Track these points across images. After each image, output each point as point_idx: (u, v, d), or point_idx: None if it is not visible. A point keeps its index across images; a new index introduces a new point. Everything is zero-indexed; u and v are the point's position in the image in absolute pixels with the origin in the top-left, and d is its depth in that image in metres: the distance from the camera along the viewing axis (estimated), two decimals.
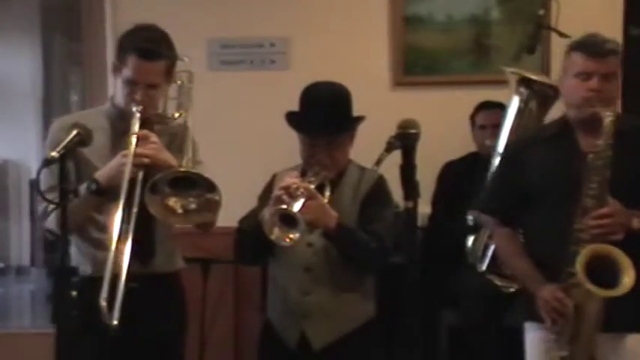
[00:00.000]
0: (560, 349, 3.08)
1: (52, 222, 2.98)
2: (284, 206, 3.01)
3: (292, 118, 3.29)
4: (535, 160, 3.24)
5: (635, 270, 2.94)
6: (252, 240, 3.19)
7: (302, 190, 3.06)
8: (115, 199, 3.03)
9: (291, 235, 3.00)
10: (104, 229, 3.08)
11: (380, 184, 3.28)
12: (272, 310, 3.32)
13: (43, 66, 8.46)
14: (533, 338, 3.23)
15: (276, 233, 3.00)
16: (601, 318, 3.02)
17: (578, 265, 2.96)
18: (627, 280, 2.91)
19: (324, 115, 3.20)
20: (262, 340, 3.36)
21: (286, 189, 3.04)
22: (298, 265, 3.20)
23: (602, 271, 2.96)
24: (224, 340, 5.08)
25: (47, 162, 2.74)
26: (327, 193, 3.15)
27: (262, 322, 3.40)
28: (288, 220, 3.00)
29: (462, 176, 4.94)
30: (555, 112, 4.62)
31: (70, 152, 2.82)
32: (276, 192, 3.08)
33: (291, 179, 3.10)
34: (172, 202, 3.05)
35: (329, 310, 3.21)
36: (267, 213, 3.03)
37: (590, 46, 3.17)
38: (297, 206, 3.01)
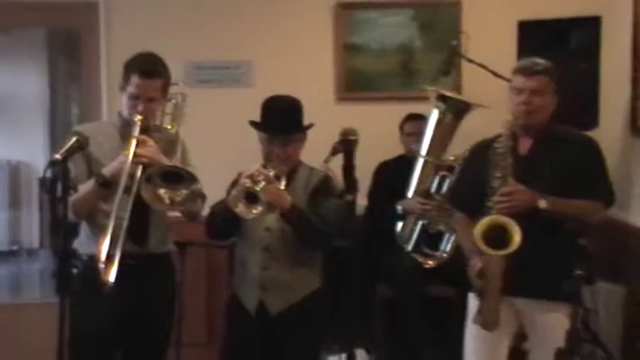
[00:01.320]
0: (478, 302, 3.14)
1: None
2: (249, 184, 3.02)
3: (255, 123, 3.30)
4: (488, 162, 3.24)
5: (542, 245, 3.00)
6: (220, 219, 3.19)
7: (263, 176, 3.07)
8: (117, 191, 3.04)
9: (254, 210, 2.99)
10: (109, 215, 3.06)
11: (325, 180, 3.30)
12: (236, 282, 3.32)
13: (49, 84, 8.47)
14: (472, 302, 3.26)
15: (240, 208, 3.00)
16: (502, 277, 3.04)
17: (476, 233, 3.01)
18: (514, 244, 2.94)
19: (281, 118, 3.22)
20: (228, 309, 3.36)
21: (250, 176, 3.06)
22: (258, 246, 3.20)
23: (501, 237, 2.99)
24: (198, 309, 5.06)
25: (52, 163, 2.72)
26: (283, 183, 3.16)
27: (228, 294, 3.40)
28: (251, 198, 3.01)
29: (392, 174, 4.97)
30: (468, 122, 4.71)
31: (71, 155, 2.80)
32: (242, 179, 3.09)
33: (255, 168, 3.12)
34: (162, 192, 3.04)
35: (283, 282, 3.21)
36: (234, 191, 3.04)
37: (522, 67, 3.21)
38: (258, 187, 3.02)
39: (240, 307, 3.25)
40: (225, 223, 3.17)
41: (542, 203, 3.04)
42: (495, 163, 3.08)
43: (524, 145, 3.21)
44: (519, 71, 3.21)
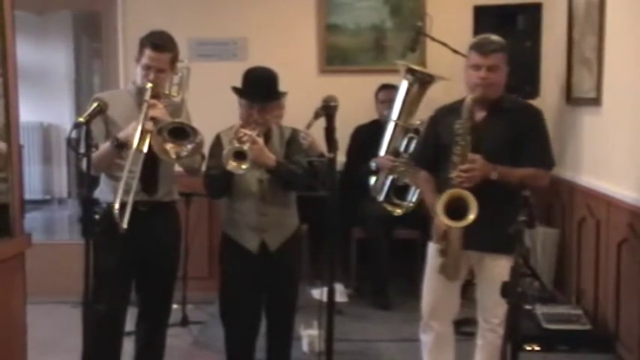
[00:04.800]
0: (440, 258, 3.08)
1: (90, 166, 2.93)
2: (237, 145, 2.99)
3: (237, 90, 3.25)
4: (446, 127, 3.09)
5: (490, 207, 2.90)
6: (217, 181, 3.15)
7: (248, 136, 3.04)
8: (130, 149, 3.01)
9: (243, 166, 2.97)
10: (123, 169, 3.02)
11: (294, 133, 3.30)
12: (231, 228, 3.23)
13: (75, 59, 8.47)
14: (431, 251, 3.20)
15: (231, 164, 2.97)
16: (462, 240, 2.98)
17: (438, 205, 2.93)
18: (471, 216, 2.87)
19: (260, 87, 3.15)
20: (224, 249, 3.30)
21: (238, 137, 3.03)
22: (255, 196, 3.17)
23: (460, 207, 2.91)
24: (201, 249, 5.08)
25: (76, 125, 2.68)
26: (261, 141, 3.12)
27: (222, 235, 3.31)
28: (239, 156, 2.98)
29: (367, 135, 4.96)
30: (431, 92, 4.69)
31: (92, 118, 2.75)
32: (235, 135, 3.06)
33: (242, 130, 3.08)
34: (169, 147, 2.99)
35: (278, 223, 3.21)
36: (224, 152, 3.01)
37: (479, 46, 3.05)
38: (245, 147, 3.00)
39: (237, 247, 3.23)
40: (222, 181, 3.14)
41: (494, 175, 2.95)
42: (455, 142, 2.97)
43: (479, 115, 3.09)
44: (476, 49, 3.05)
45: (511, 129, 3.05)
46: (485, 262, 3.09)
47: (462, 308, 3.30)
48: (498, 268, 3.03)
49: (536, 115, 3.15)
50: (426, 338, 3.25)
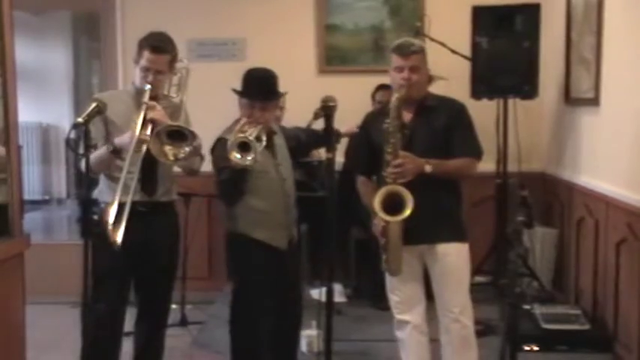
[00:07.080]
0: (384, 255, 3.14)
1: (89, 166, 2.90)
2: (241, 135, 2.95)
3: (238, 90, 3.23)
4: (377, 129, 3.16)
5: (429, 199, 2.99)
6: (232, 186, 3.11)
7: (252, 131, 3.01)
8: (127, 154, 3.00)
9: (249, 157, 2.94)
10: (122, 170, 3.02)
11: (281, 128, 3.37)
12: (257, 231, 3.19)
13: (74, 59, 8.50)
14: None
15: (235, 156, 2.89)
16: (401, 234, 3.03)
17: (375, 202, 2.98)
18: (408, 210, 2.92)
19: (261, 87, 3.15)
20: (248, 253, 3.23)
21: (240, 130, 3.02)
22: (282, 195, 3.18)
23: (397, 202, 2.96)
24: (200, 249, 5.08)
25: (75, 125, 2.69)
26: (264, 141, 3.10)
27: (240, 240, 3.25)
28: (244, 147, 2.93)
29: None
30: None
31: (91, 118, 2.77)
32: (235, 134, 3.03)
33: (245, 124, 3.06)
34: (167, 149, 2.97)
35: (295, 218, 3.29)
36: (229, 143, 2.94)
37: (400, 49, 3.13)
38: (250, 137, 2.94)
39: (265, 248, 3.17)
40: (238, 183, 3.09)
41: (428, 168, 3.01)
42: (386, 140, 3.03)
43: (407, 116, 3.16)
44: (397, 52, 3.14)
45: (438, 125, 3.14)
46: (436, 251, 3.13)
47: None
48: (450, 256, 3.12)
49: (460, 109, 3.24)
50: (401, 334, 3.28)
